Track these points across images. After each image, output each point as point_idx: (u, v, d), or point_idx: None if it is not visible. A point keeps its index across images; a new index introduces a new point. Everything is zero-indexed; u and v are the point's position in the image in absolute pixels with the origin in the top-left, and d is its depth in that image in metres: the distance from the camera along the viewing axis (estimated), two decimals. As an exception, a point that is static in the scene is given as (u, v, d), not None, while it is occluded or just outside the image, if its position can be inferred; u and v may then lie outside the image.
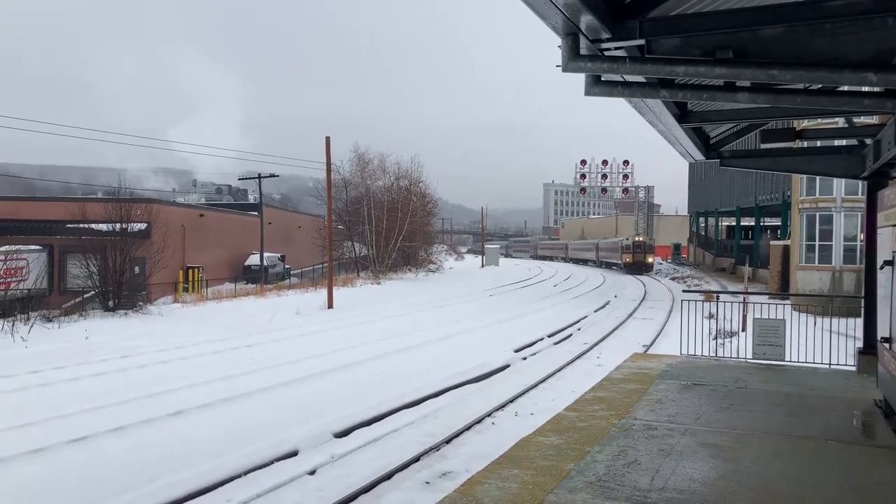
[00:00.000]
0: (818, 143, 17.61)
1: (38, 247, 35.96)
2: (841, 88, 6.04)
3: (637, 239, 70.64)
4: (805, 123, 20.80)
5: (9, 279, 31.88)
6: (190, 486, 8.94)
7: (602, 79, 5.65)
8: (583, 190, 69.90)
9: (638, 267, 67.79)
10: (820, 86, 5.97)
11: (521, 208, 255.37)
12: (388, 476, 9.41)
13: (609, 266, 77.19)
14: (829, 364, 11.70)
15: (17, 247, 33.28)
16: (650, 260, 69.85)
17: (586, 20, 4.65)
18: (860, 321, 11.26)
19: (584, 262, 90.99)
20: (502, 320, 27.76)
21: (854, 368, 11.04)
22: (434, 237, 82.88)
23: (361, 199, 58.52)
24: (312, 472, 9.73)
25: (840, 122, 14.31)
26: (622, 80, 5.66)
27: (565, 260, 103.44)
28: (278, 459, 10.18)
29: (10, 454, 10.02)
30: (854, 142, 10.80)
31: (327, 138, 36.59)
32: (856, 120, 10.49)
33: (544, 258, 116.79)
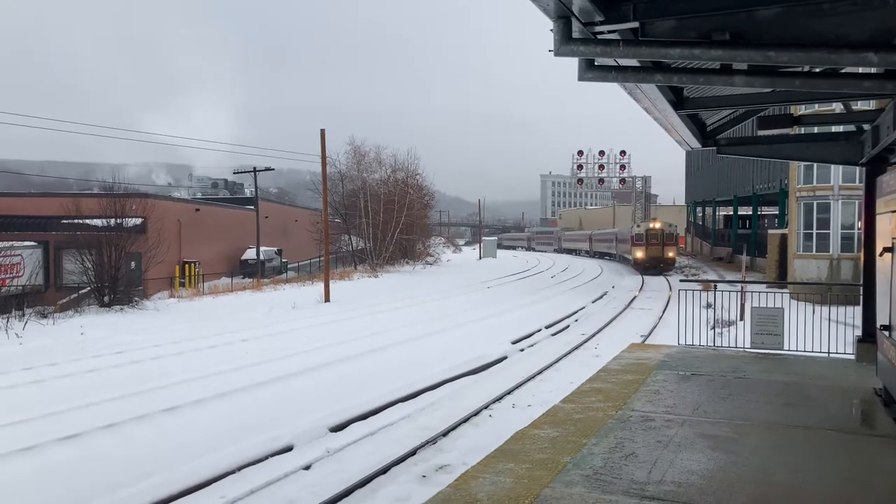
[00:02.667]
0: (815, 130, 17.48)
1: (33, 243, 35.79)
2: (840, 71, 5.91)
3: (653, 226, 53.72)
4: (802, 110, 20.74)
5: (3, 276, 31.75)
6: (183, 483, 8.82)
7: (595, 63, 5.53)
8: (580, 181, 69.16)
9: (654, 264, 51.42)
10: (819, 68, 5.85)
11: (519, 200, 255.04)
12: (384, 470, 9.31)
13: (628, 261, 59.28)
14: (828, 353, 11.61)
15: (12, 243, 33.14)
16: (671, 254, 52.95)
17: (579, 2, 4.53)
18: (859, 309, 11.16)
19: (611, 256, 71.91)
20: (499, 312, 27.67)
21: (853, 357, 10.95)
22: (431, 230, 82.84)
23: (358, 193, 58.39)
24: (307, 468, 9.62)
25: (837, 108, 14.20)
26: (616, 64, 5.52)
27: (589, 253, 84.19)
28: (273, 455, 10.07)
29: (0, 452, 9.89)
30: (852, 128, 10.68)
31: (322, 131, 36.44)
32: (853, 106, 10.37)
33: (569, 251, 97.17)
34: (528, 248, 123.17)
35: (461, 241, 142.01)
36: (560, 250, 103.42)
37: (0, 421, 11.67)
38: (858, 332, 11.00)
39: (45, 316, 26.63)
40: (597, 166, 65.15)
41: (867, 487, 5.57)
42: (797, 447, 6.48)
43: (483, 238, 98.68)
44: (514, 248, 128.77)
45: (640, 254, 52.92)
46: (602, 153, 64.98)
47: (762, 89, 7.41)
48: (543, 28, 5.51)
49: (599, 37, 5.06)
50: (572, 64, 5.70)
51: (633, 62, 5.43)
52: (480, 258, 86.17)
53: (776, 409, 7.87)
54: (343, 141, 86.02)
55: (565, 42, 4.90)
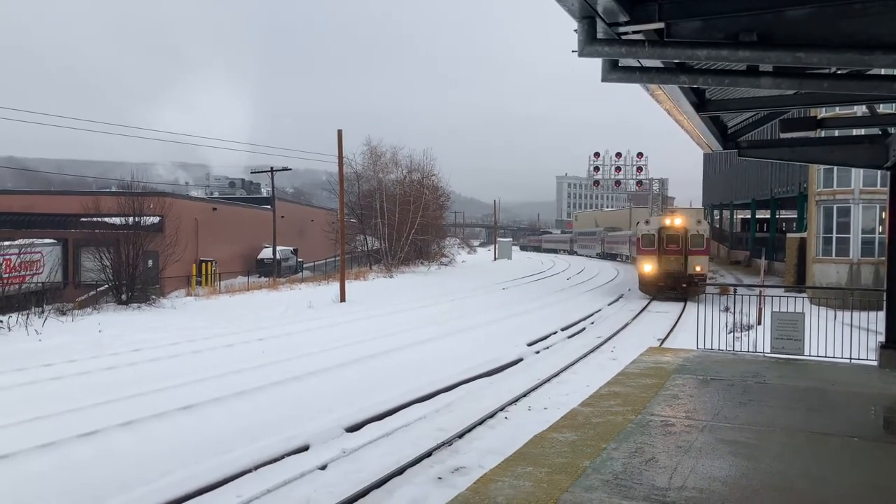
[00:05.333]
0: (836, 133, 17.27)
1: (52, 240, 36.18)
2: (870, 72, 5.82)
3: (670, 223, 34.67)
4: (825, 113, 20.50)
5: (24, 273, 32.08)
6: (199, 482, 8.85)
7: (619, 64, 5.47)
8: (596, 182, 68.62)
9: (672, 284, 33.32)
10: (847, 70, 5.76)
11: (534, 201, 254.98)
12: (400, 471, 9.29)
13: None
14: (850, 359, 11.45)
15: (32, 240, 33.48)
16: (699, 268, 33.80)
17: (603, 2, 4.49)
18: (881, 314, 11.02)
19: None
20: (515, 314, 27.59)
21: (875, 363, 10.80)
22: (446, 231, 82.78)
23: (374, 193, 58.47)
24: (324, 468, 9.62)
25: (860, 111, 14.01)
26: (640, 65, 5.47)
27: (630, 258, 64.92)
28: (289, 454, 10.09)
29: (19, 448, 9.98)
30: (876, 131, 10.54)
31: (339, 131, 36.47)
32: (877, 108, 10.24)
33: (612, 256, 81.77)
34: (571, 252, 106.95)
35: (476, 242, 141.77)
36: (603, 255, 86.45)
37: (20, 417, 11.79)
38: (881, 338, 10.86)
39: (63, 313, 26.87)
40: (613, 168, 64.69)
41: (893, 496, 5.48)
42: (820, 454, 6.39)
43: (498, 239, 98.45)
44: (556, 251, 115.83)
45: (648, 266, 34.58)
46: (619, 155, 64.57)
47: (788, 91, 7.32)
48: (564, 28, 5.47)
49: (624, 37, 5.01)
50: (591, 64, 5.67)
51: (658, 63, 5.38)
52: (495, 259, 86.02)
53: (798, 415, 7.77)
54: (358, 141, 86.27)
55: (589, 42, 4.86)
